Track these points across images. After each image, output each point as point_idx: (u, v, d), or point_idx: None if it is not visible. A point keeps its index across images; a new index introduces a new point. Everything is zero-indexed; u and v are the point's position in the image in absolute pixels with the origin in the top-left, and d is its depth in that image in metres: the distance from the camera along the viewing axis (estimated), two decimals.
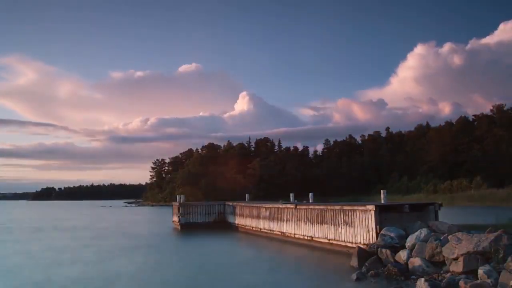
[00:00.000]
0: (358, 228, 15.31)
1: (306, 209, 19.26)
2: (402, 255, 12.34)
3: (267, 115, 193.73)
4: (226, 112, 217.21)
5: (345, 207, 16.36)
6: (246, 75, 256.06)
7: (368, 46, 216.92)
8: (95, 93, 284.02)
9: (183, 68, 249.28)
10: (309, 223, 18.80)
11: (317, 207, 18.46)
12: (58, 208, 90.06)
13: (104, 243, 22.08)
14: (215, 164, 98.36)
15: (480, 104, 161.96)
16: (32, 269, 14.57)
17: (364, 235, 14.91)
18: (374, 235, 14.26)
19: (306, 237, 19.03)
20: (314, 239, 18.35)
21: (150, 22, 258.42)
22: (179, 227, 29.52)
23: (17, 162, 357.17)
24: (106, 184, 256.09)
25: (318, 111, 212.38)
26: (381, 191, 18.34)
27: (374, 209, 14.58)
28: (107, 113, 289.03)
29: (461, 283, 9.33)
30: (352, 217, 15.72)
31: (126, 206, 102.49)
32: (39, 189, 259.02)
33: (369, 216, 14.71)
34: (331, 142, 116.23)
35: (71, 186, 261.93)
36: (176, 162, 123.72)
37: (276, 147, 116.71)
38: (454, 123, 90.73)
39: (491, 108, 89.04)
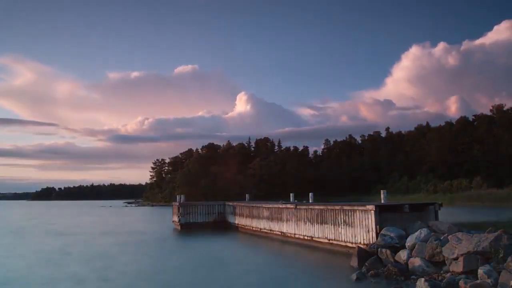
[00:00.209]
0: (358, 228, 15.31)
1: (306, 209, 19.26)
2: (402, 255, 12.34)
3: (266, 115, 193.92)
4: (226, 112, 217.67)
5: (345, 207, 16.36)
6: (245, 75, 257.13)
7: (364, 47, 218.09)
8: (93, 93, 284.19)
9: (182, 68, 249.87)
10: (309, 223, 18.79)
11: (317, 207, 18.46)
12: (57, 209, 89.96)
13: (104, 243, 22.07)
14: (215, 164, 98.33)
15: (478, 104, 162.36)
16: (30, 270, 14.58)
17: (364, 235, 14.91)
18: (374, 235, 14.26)
19: (306, 237, 19.03)
20: (314, 239, 18.35)
21: (148, 23, 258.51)
22: (179, 227, 29.52)
23: (17, 162, 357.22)
24: (106, 184, 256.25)
25: (318, 111, 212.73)
26: (381, 191, 18.37)
27: (374, 209, 14.59)
28: (105, 113, 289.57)
29: (461, 283, 9.33)
30: (352, 217, 15.72)
31: (126, 206, 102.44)
32: (39, 189, 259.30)
33: (369, 216, 14.72)
34: (331, 142, 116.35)
35: (71, 186, 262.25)
36: (176, 162, 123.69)
37: (276, 147, 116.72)
38: (454, 123, 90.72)
39: (491, 108, 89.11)
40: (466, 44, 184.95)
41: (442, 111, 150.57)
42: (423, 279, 9.72)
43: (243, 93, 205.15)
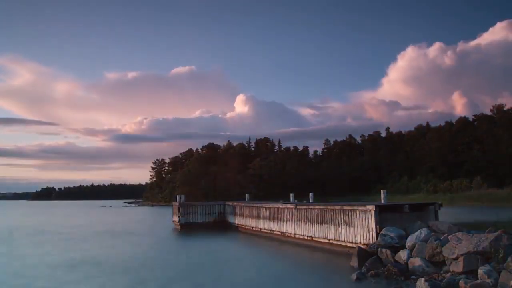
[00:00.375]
0: (358, 228, 15.31)
1: (306, 209, 19.26)
2: (402, 255, 12.34)
3: (266, 115, 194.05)
4: (226, 112, 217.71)
5: (345, 207, 16.36)
6: (244, 75, 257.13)
7: (363, 48, 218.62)
8: (91, 93, 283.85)
9: (181, 68, 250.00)
10: (309, 223, 18.79)
11: (317, 207, 18.46)
12: (56, 209, 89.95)
13: (103, 243, 22.07)
14: (215, 164, 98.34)
15: (474, 104, 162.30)
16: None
17: (364, 235, 14.91)
18: (374, 235, 14.26)
19: (306, 237, 19.03)
20: (314, 239, 18.34)
21: (148, 23, 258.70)
22: (179, 227, 29.53)
23: (18, 162, 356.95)
24: (106, 184, 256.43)
25: (318, 110, 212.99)
26: (381, 191, 18.38)
27: (374, 209, 14.59)
28: (105, 113, 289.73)
29: (461, 283, 9.33)
30: (352, 217, 15.72)
31: (126, 206, 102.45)
32: (39, 189, 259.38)
33: (369, 216, 14.72)
34: (331, 142, 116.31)
35: (71, 186, 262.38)
36: (176, 162, 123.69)
37: (276, 147, 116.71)
38: (454, 123, 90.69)
39: (491, 108, 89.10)
40: (462, 45, 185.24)
41: (442, 111, 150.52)
42: (423, 279, 9.72)
43: (242, 94, 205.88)
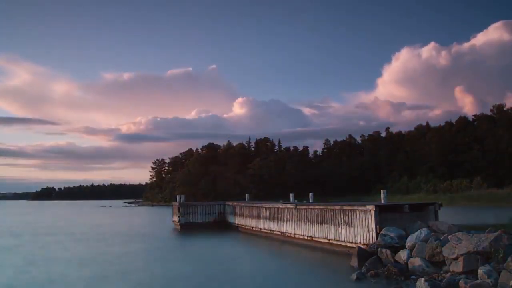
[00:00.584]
0: (358, 228, 15.31)
1: (306, 209, 19.26)
2: (402, 255, 12.34)
3: (266, 115, 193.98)
4: (226, 112, 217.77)
5: (345, 207, 16.36)
6: (244, 75, 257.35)
7: (355, 49, 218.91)
8: (89, 93, 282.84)
9: (181, 68, 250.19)
10: (309, 223, 18.79)
11: (317, 207, 18.46)
12: (56, 209, 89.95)
13: (103, 243, 22.07)
14: (215, 164, 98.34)
15: (472, 105, 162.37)
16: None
17: (364, 235, 14.91)
18: (374, 235, 14.26)
19: (306, 237, 19.03)
20: (314, 239, 18.35)
21: (147, 23, 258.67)
22: (179, 227, 29.53)
23: (17, 162, 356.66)
24: (106, 184, 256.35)
25: (319, 110, 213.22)
26: (381, 191, 18.37)
27: (374, 209, 14.58)
28: (103, 113, 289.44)
29: (461, 283, 9.33)
30: (352, 217, 15.71)
31: (126, 206, 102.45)
32: (39, 189, 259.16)
33: (369, 216, 14.72)
34: (331, 142, 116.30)
35: (71, 186, 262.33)
36: (176, 162, 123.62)
37: (276, 147, 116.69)
38: (454, 123, 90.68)
39: (491, 108, 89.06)
40: (457, 46, 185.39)
41: (444, 111, 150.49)
42: (423, 279, 9.72)
43: (241, 96, 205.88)
